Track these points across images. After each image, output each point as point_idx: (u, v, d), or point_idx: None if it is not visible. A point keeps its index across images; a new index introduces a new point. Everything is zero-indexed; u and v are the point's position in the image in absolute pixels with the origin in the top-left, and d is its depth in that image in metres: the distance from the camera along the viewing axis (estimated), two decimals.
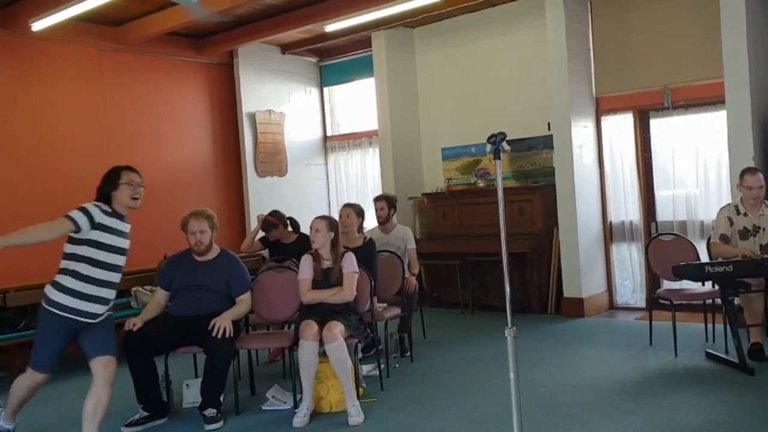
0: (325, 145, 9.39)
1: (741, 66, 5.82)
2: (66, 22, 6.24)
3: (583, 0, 7.05)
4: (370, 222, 6.50)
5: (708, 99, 6.41)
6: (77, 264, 3.65)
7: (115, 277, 3.80)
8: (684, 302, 5.37)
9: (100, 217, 3.68)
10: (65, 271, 3.67)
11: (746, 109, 5.83)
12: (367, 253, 5.30)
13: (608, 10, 7.02)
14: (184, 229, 4.57)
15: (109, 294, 3.80)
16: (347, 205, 5.77)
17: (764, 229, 4.98)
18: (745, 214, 5.04)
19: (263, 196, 8.32)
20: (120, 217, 3.82)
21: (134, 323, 4.30)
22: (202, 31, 7.85)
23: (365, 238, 5.55)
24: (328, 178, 9.37)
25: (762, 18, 6.11)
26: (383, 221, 6.08)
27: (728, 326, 4.90)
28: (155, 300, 4.59)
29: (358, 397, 4.32)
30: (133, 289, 6.26)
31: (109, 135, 7.21)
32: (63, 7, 5.89)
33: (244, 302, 4.54)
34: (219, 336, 4.18)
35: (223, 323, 4.23)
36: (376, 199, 6.16)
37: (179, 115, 7.93)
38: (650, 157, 6.95)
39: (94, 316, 3.74)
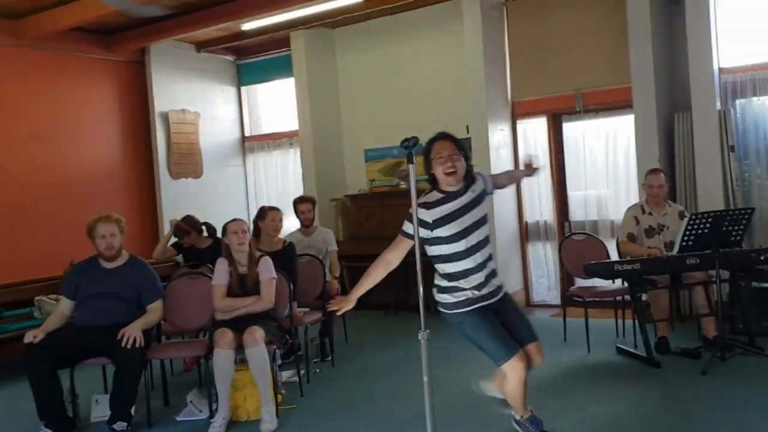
0: (243, 146, 9.20)
1: (647, 72, 6.08)
2: None
3: (499, 6, 7.18)
4: (291, 224, 6.42)
5: (617, 103, 6.65)
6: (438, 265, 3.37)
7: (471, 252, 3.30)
8: (596, 299, 5.55)
9: (426, 214, 3.25)
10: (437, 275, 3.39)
11: (652, 113, 6.09)
12: (287, 257, 5.22)
13: (523, 17, 7.18)
14: (90, 235, 4.35)
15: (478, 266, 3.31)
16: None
17: (668, 227, 5.21)
18: (650, 213, 5.25)
19: (177, 198, 8.06)
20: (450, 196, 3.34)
21: (35, 335, 4.06)
22: (110, 28, 7.54)
23: (284, 241, 5.45)
24: (246, 179, 9.18)
25: (666, 27, 6.39)
26: (309, 224, 5.99)
27: (637, 322, 5.09)
28: (59, 310, 4.37)
29: (277, 405, 4.24)
30: (37, 298, 5.95)
31: (6, 136, 6.77)
32: None
33: (155, 311, 4.38)
34: (129, 346, 4.01)
35: (132, 333, 4.06)
36: (301, 201, 6.04)
37: (86, 115, 7.58)
38: (563, 159, 7.15)
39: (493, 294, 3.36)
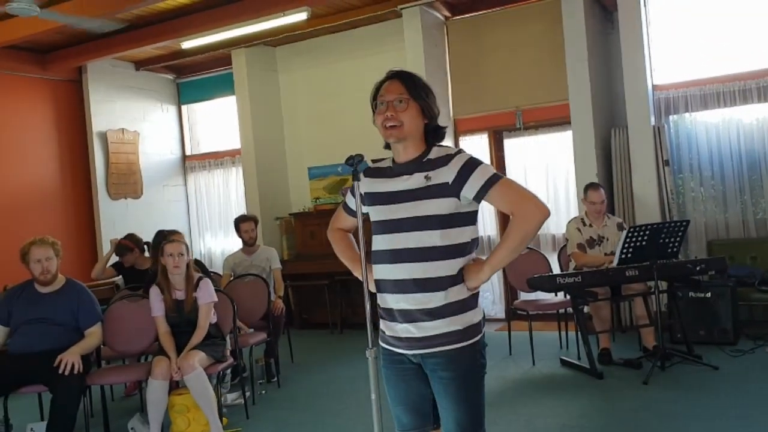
0: (184, 165, 9.05)
1: (584, 89, 6.25)
2: None
3: (439, 24, 7.30)
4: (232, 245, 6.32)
5: (556, 120, 6.82)
6: None
7: None
8: (539, 312, 5.63)
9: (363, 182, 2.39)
10: None
11: (590, 129, 6.26)
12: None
13: (463, 35, 7.31)
14: (24, 259, 4.17)
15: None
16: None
17: (608, 239, 5.34)
18: (591, 225, 5.38)
19: (116, 219, 7.86)
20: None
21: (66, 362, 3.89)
22: (45, 46, 7.35)
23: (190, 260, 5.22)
24: (187, 199, 9.03)
25: (602, 45, 6.60)
26: (252, 243, 5.91)
27: (579, 333, 5.18)
28: None
29: (223, 428, 4.14)
30: None
31: None
32: None
33: (93, 335, 4.23)
34: (66, 372, 3.86)
35: (70, 358, 3.91)
36: (243, 220, 5.96)
37: (21, 135, 7.34)
38: (505, 175, 7.26)
39: None
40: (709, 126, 6.25)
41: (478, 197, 2.12)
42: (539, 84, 6.89)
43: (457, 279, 2.15)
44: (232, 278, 5.65)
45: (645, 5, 6.20)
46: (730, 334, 5.38)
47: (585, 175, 6.16)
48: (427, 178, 2.14)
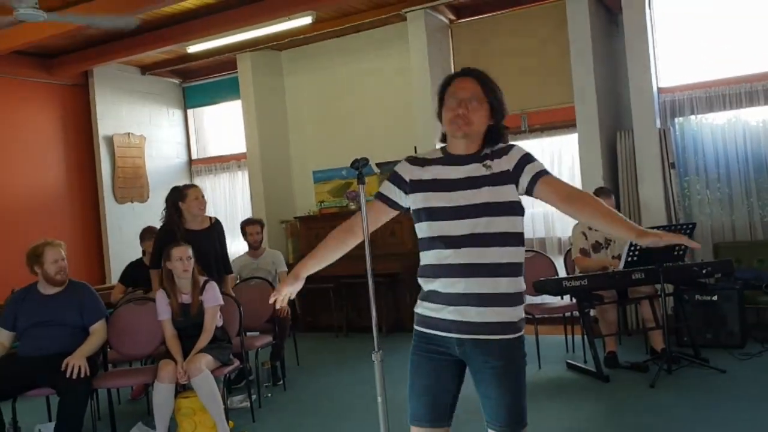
0: (191, 169, 9.08)
1: (589, 92, 6.25)
2: None
3: (443, 27, 7.30)
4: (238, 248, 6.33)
5: (561, 123, 6.82)
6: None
7: None
8: (545, 315, 5.62)
9: (406, 169, 2.42)
10: None
11: (595, 132, 6.25)
12: (216, 234, 5.03)
13: (468, 38, 7.32)
14: (38, 261, 4.16)
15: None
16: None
17: (615, 242, 5.33)
18: (597, 229, 5.36)
19: (122, 223, 7.90)
20: None
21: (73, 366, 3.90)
22: (52, 51, 7.39)
23: (211, 219, 5.20)
24: None
25: (607, 47, 6.60)
26: (257, 246, 5.92)
27: (586, 337, 5.17)
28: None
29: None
30: None
31: None
32: None
33: (97, 332, 4.23)
34: (74, 377, 3.88)
35: (76, 362, 3.92)
36: (249, 223, 5.99)
37: (28, 139, 7.39)
38: None
39: None
40: (715, 128, 6.23)
41: (529, 189, 2.17)
42: (544, 87, 6.89)
43: (518, 269, 2.20)
44: (238, 281, 5.66)
45: (650, 7, 6.20)
46: (737, 337, 5.35)
47: (590, 178, 6.15)
48: (486, 166, 2.18)
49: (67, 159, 7.79)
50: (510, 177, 2.16)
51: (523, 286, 2.24)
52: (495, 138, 2.24)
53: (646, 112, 6.13)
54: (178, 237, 4.73)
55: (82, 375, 3.92)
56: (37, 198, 7.42)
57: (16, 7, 4.84)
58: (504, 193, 2.16)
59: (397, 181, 2.29)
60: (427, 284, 2.24)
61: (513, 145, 2.23)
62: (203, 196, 5.01)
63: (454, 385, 2.25)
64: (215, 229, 5.08)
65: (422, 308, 2.26)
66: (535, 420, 4.13)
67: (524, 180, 2.16)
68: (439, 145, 2.34)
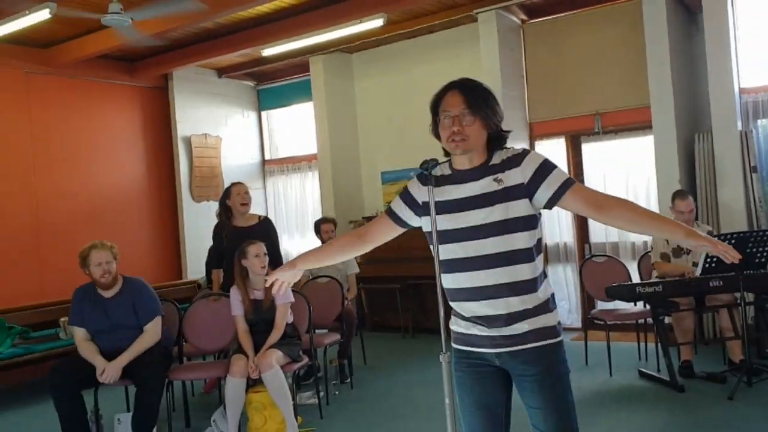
0: (264, 169, 9.30)
1: (666, 93, 6.06)
2: None
3: (516, 28, 7.23)
4: (308, 246, 6.42)
5: (636, 124, 6.64)
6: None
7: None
8: (617, 322, 5.48)
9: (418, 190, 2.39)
10: None
11: (671, 133, 6.07)
12: (264, 231, 5.10)
13: (540, 39, 7.22)
14: (83, 264, 4.26)
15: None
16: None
17: None
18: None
19: (199, 221, 8.13)
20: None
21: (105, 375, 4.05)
22: (134, 55, 7.71)
23: (260, 216, 5.38)
24: (266, 202, 9.26)
25: (685, 47, 6.39)
26: None
27: (660, 345, 5.03)
28: (80, 339, 4.24)
29: (297, 427, 4.23)
30: (62, 319, 5.98)
31: (37, 160, 6.98)
32: None
33: (148, 332, 4.23)
34: (108, 382, 4.02)
35: (109, 372, 4.02)
36: (324, 222, 6.08)
37: (111, 139, 7.74)
38: (582, 181, 7.13)
39: None
40: None
41: (551, 203, 2.09)
42: (619, 87, 6.73)
43: (539, 280, 2.15)
44: (310, 278, 5.77)
45: (732, 5, 5.97)
46: None
47: (667, 182, 5.97)
48: (497, 181, 2.11)
49: (147, 158, 8.11)
50: (524, 191, 2.09)
51: (550, 292, 2.19)
52: (498, 143, 2.18)
53: (726, 114, 5.90)
54: (222, 236, 4.90)
55: (111, 382, 4.04)
56: (119, 196, 7.75)
57: (103, 16, 5.08)
58: (518, 209, 2.09)
59: (409, 201, 2.28)
60: (453, 304, 2.24)
61: (526, 153, 2.14)
62: (247, 193, 5.23)
63: (504, 394, 2.23)
64: (263, 226, 5.21)
65: (455, 325, 2.27)
66: (605, 427, 4.06)
67: (543, 195, 2.08)
68: (442, 159, 2.29)
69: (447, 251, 2.17)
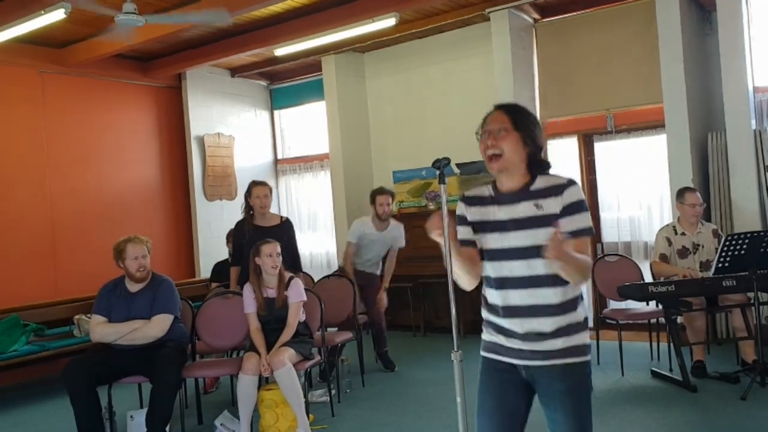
0: (276, 169, 9.33)
1: (679, 91, 6.04)
2: (6, 44, 6.09)
3: (527, 27, 7.22)
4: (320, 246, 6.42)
5: (649, 123, 6.61)
6: None
7: None
8: (630, 321, 5.47)
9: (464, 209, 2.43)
10: None
11: (685, 132, 6.04)
12: (284, 232, 5.14)
13: (552, 37, 7.20)
14: (120, 256, 4.34)
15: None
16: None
17: (703, 246, 5.13)
18: (683, 233, 5.18)
19: (212, 220, 8.20)
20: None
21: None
22: (148, 54, 7.76)
23: (281, 218, 5.42)
24: (279, 201, 9.29)
25: (698, 45, 6.36)
26: (386, 217, 5.84)
27: (672, 344, 5.01)
28: (98, 323, 4.32)
29: (309, 425, 4.25)
30: (76, 317, 6.07)
31: (51, 159, 7.06)
32: (2, 29, 5.75)
33: (154, 322, 4.24)
34: None
35: None
36: (381, 192, 5.85)
37: (125, 138, 7.79)
38: (595, 180, 7.11)
39: None
40: None
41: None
42: (632, 86, 6.70)
43: (574, 303, 2.21)
44: (354, 246, 5.79)
45: (746, 3, 5.93)
46: None
47: (679, 181, 5.94)
48: (537, 206, 2.16)
49: (161, 157, 8.17)
50: (554, 218, 2.14)
51: (583, 315, 2.24)
52: (538, 168, 2.22)
53: (740, 113, 5.87)
54: (245, 232, 4.97)
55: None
56: (133, 194, 7.81)
57: (117, 15, 5.11)
58: (548, 235, 2.10)
59: (464, 223, 2.31)
60: (488, 317, 2.31)
61: (570, 185, 2.17)
62: (266, 195, 5.27)
63: (524, 405, 2.27)
64: (284, 227, 5.26)
65: (488, 335, 2.32)
66: (617, 427, 4.06)
67: (565, 227, 2.11)
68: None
69: (491, 269, 2.26)
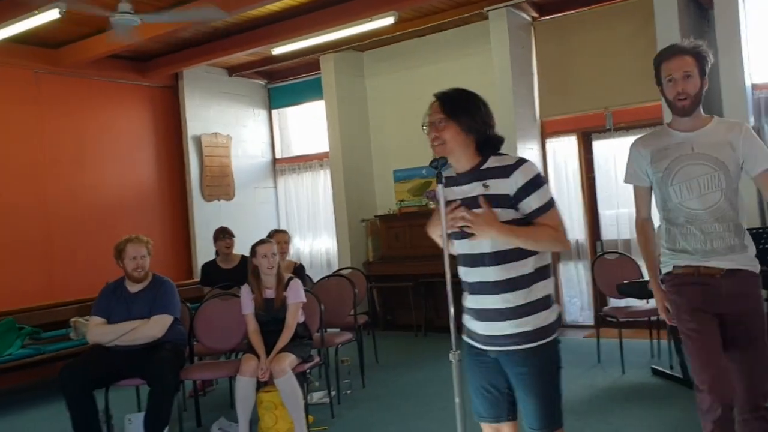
0: (275, 168, 9.31)
1: None
2: (0, 44, 6.06)
3: (526, 26, 7.20)
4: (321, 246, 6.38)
5: (647, 120, 6.58)
6: None
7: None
8: (630, 319, 5.45)
9: None
10: None
11: None
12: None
13: (551, 36, 7.18)
14: (120, 256, 4.34)
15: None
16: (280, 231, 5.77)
17: None
18: None
19: (209, 220, 8.15)
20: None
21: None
22: (144, 54, 7.73)
23: (295, 264, 5.46)
24: (277, 201, 9.27)
25: None
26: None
27: (672, 342, 4.99)
28: (97, 323, 4.31)
29: (308, 426, 4.23)
30: (72, 319, 6.03)
31: (46, 160, 7.01)
32: None
33: (154, 321, 4.22)
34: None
35: None
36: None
37: (122, 138, 7.76)
38: (594, 178, 7.10)
39: None
40: None
41: (531, 217, 2.20)
42: (630, 84, 6.68)
43: (531, 278, 2.23)
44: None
45: (743, 1, 5.91)
46: None
47: None
48: (485, 186, 2.22)
49: (158, 158, 8.13)
50: (510, 202, 2.19)
51: (545, 293, 2.26)
52: (489, 147, 2.27)
53: (738, 110, 5.84)
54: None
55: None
56: (130, 195, 7.77)
57: (112, 14, 5.08)
58: (503, 215, 2.19)
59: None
60: (464, 298, 2.39)
61: (518, 165, 2.20)
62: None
63: (505, 382, 2.33)
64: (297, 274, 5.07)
65: (465, 319, 2.40)
66: (618, 425, 4.04)
67: (525, 208, 2.19)
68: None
69: (457, 246, 2.34)
